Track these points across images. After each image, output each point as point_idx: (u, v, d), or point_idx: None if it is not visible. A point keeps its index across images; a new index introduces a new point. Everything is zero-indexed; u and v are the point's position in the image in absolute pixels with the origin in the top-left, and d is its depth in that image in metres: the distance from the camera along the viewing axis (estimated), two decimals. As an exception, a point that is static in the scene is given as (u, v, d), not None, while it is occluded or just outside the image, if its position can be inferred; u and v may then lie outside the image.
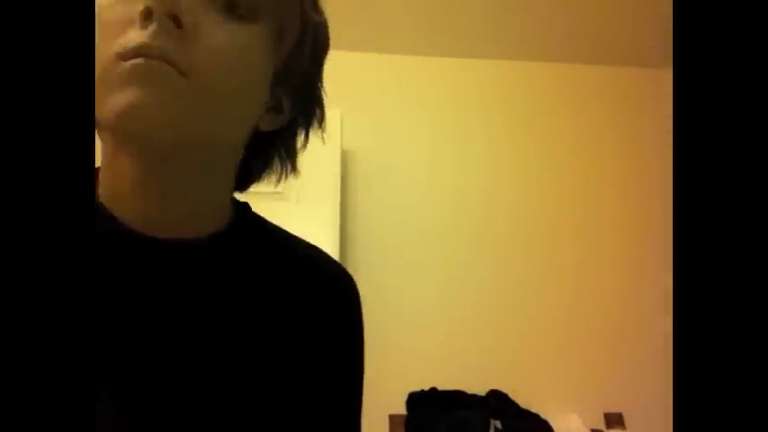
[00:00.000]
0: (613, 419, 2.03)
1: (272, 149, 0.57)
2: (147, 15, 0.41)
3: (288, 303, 0.54)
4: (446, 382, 1.91)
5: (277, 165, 0.59)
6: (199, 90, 0.42)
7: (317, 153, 2.23)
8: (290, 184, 2.05)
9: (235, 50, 0.45)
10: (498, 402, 1.89)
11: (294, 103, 0.55)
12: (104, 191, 0.48)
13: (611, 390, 2.08)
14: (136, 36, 0.41)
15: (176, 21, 0.41)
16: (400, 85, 2.45)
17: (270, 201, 2.03)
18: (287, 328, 0.53)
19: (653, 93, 2.50)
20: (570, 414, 1.97)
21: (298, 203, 1.91)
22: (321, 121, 0.59)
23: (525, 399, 1.91)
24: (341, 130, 2.06)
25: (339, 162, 2.02)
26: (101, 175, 0.49)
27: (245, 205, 0.59)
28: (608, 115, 2.50)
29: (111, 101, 0.40)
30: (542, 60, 2.53)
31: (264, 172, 0.59)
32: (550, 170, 2.39)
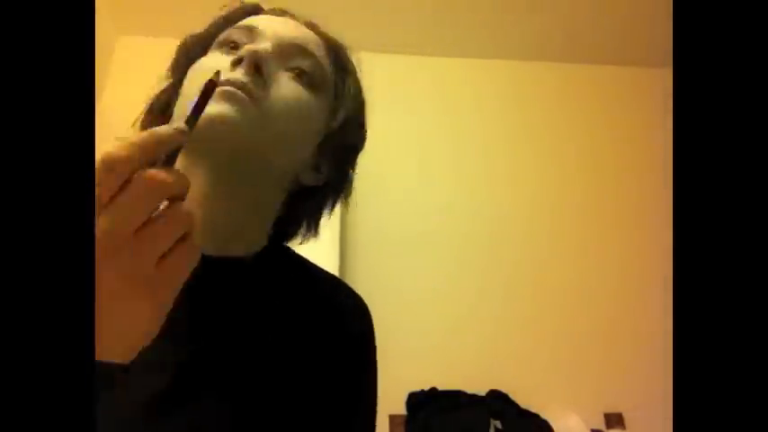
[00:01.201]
0: (613, 419, 2.03)
1: (304, 206, 0.67)
2: (238, 62, 0.55)
3: (311, 322, 0.60)
4: (446, 382, 1.91)
5: (304, 223, 0.69)
6: (264, 116, 0.54)
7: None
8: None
9: (295, 102, 0.58)
10: (498, 402, 1.89)
11: (331, 169, 0.66)
12: None
13: (611, 390, 2.08)
14: (228, 73, 0.54)
15: (257, 69, 0.55)
16: (399, 84, 2.45)
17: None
18: (309, 343, 0.59)
19: (653, 93, 2.50)
20: (570, 414, 1.97)
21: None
22: (349, 192, 0.71)
23: (525, 399, 1.91)
24: (341, 130, 2.06)
25: (339, 162, 2.02)
26: None
27: (283, 235, 0.69)
28: (608, 115, 2.50)
29: (205, 113, 0.48)
30: (542, 60, 2.53)
31: (295, 228, 0.68)
32: (550, 170, 2.39)
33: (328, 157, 0.65)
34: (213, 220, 0.56)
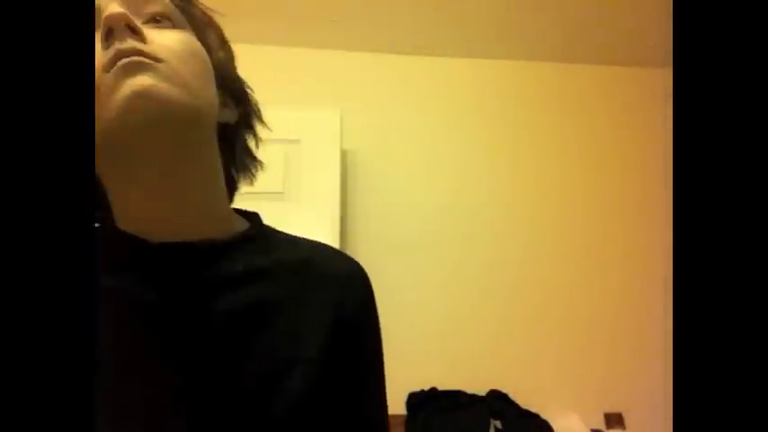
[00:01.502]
0: (613, 419, 2.03)
1: (234, 145, 0.65)
2: (110, 33, 0.49)
3: (312, 293, 0.60)
4: (446, 382, 1.91)
5: (241, 160, 0.66)
6: (173, 71, 0.51)
7: (318, 153, 2.25)
8: (291, 183, 2.08)
9: (182, 42, 0.54)
10: (498, 402, 1.89)
11: (236, 101, 0.65)
12: (122, 216, 0.55)
13: (611, 390, 2.08)
14: (109, 51, 0.49)
15: (132, 29, 0.50)
16: (400, 84, 2.45)
17: (270, 200, 2.04)
18: (312, 314, 0.58)
19: (653, 93, 2.50)
20: (570, 414, 1.97)
21: (298, 203, 1.91)
22: (260, 116, 0.69)
23: (525, 399, 1.91)
24: (341, 129, 2.06)
25: (339, 162, 2.02)
26: (115, 208, 0.55)
27: (256, 215, 0.67)
28: (608, 115, 2.50)
29: (113, 103, 0.47)
30: (543, 60, 2.53)
31: (241, 175, 0.67)
32: (551, 170, 2.39)
33: (227, 91, 0.63)
34: (180, 202, 0.54)
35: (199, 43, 0.58)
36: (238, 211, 0.66)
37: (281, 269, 0.60)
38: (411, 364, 2.01)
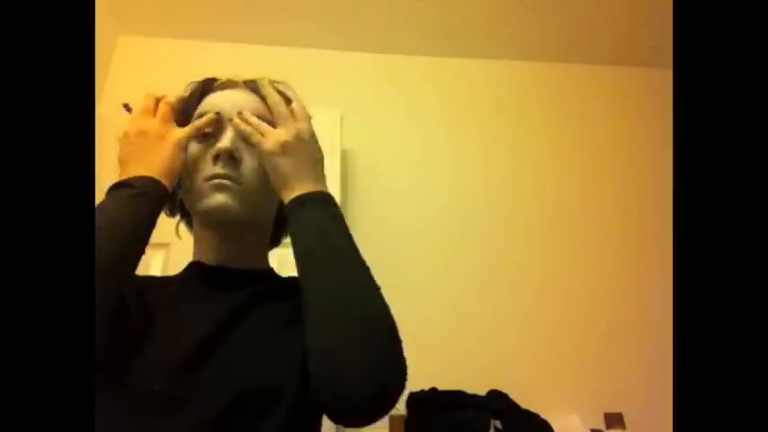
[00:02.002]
0: (613, 419, 2.03)
1: (282, 227, 0.95)
2: (217, 157, 0.79)
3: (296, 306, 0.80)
4: (446, 381, 1.91)
5: (282, 234, 0.97)
6: (248, 192, 0.79)
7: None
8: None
9: (262, 169, 0.80)
10: (498, 402, 1.89)
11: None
12: (198, 251, 0.86)
13: (611, 390, 2.08)
14: (212, 169, 0.79)
15: (233, 157, 0.79)
16: (400, 85, 2.45)
17: (270, 201, 2.03)
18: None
19: (653, 93, 2.50)
20: (570, 414, 1.97)
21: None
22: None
23: (525, 399, 1.91)
24: (341, 129, 2.06)
25: (339, 161, 2.02)
26: (195, 242, 0.87)
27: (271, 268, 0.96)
28: (607, 115, 2.50)
29: (204, 203, 0.78)
30: (542, 60, 2.53)
31: (280, 238, 0.97)
32: (551, 170, 2.39)
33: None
34: (229, 260, 0.84)
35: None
36: None
37: (288, 291, 0.82)
38: (411, 364, 2.00)
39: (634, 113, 2.51)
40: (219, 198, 0.77)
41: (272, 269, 0.93)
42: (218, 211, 0.78)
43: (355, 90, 2.38)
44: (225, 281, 0.82)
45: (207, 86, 0.89)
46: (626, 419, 2.03)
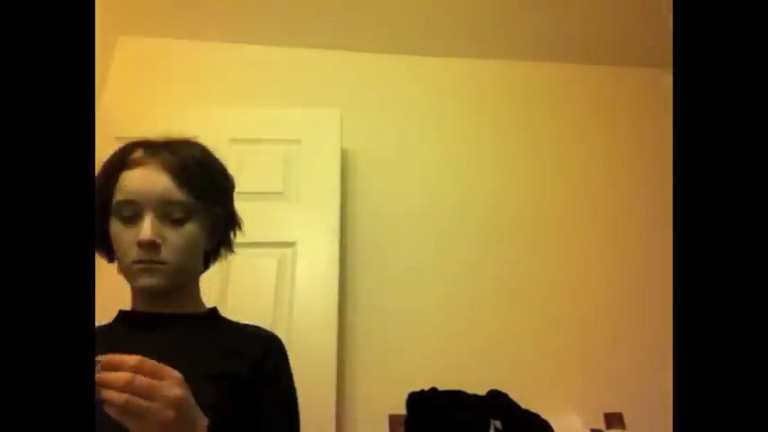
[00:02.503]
0: (613, 419, 2.03)
1: (215, 256, 1.13)
2: (141, 245, 0.91)
3: (240, 346, 0.99)
4: (446, 382, 1.91)
5: (221, 257, 1.14)
6: (174, 268, 0.94)
7: (318, 153, 2.25)
8: (291, 184, 2.09)
9: (186, 245, 0.95)
10: (498, 402, 1.89)
11: (222, 233, 1.10)
12: (134, 304, 1.01)
13: (611, 390, 2.08)
14: (137, 253, 0.91)
15: (154, 244, 0.91)
16: (400, 85, 2.45)
17: (270, 201, 2.04)
18: (242, 359, 0.96)
19: (652, 93, 2.50)
20: (570, 414, 1.97)
21: (298, 203, 1.91)
22: (239, 223, 1.13)
23: (525, 399, 1.91)
24: (341, 129, 2.06)
25: (339, 161, 2.02)
26: (132, 296, 1.01)
27: (214, 308, 1.10)
28: (607, 115, 2.50)
29: (136, 282, 0.94)
30: (544, 60, 2.53)
31: (214, 262, 1.14)
32: (553, 170, 2.39)
33: (217, 233, 1.08)
34: (164, 309, 0.98)
35: (198, 232, 0.99)
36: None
37: (222, 330, 1.04)
38: (411, 364, 2.01)
39: (633, 113, 2.51)
40: (147, 280, 0.91)
41: (212, 311, 1.07)
42: (149, 290, 0.92)
43: (355, 90, 2.38)
44: (156, 324, 0.95)
45: (122, 162, 0.96)
46: (626, 419, 2.03)
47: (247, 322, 1.08)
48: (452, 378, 1.92)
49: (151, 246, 0.89)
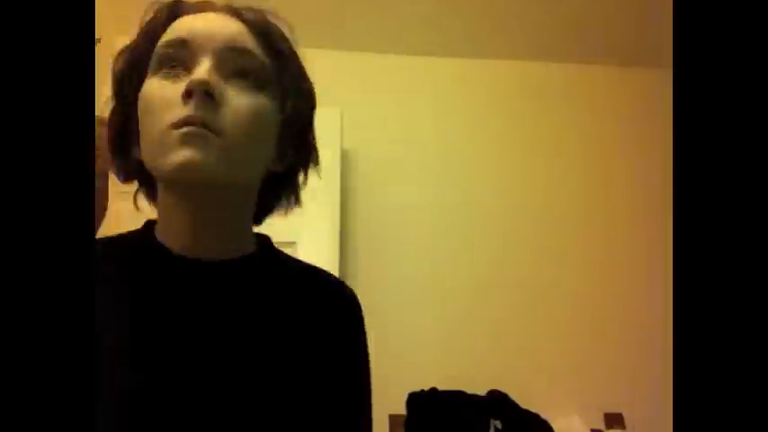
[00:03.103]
0: (614, 420, 2.03)
1: (280, 188, 0.74)
2: (189, 94, 0.57)
3: (299, 309, 0.67)
4: (446, 382, 1.91)
5: (284, 201, 0.76)
6: (228, 144, 0.59)
7: (318, 152, 2.19)
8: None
9: (249, 114, 0.61)
10: (498, 402, 1.89)
11: (295, 151, 0.72)
12: (162, 228, 0.66)
13: (611, 390, 2.08)
14: (182, 110, 0.57)
15: (208, 96, 0.57)
16: (401, 84, 2.45)
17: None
18: (300, 330, 0.66)
19: (652, 93, 2.50)
20: (570, 414, 1.97)
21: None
22: (316, 161, 0.77)
23: (525, 399, 1.91)
24: (341, 129, 2.06)
25: (339, 161, 2.02)
26: (159, 216, 0.67)
27: (267, 237, 0.75)
28: (608, 115, 2.50)
29: (169, 159, 0.57)
30: (544, 60, 2.53)
31: (276, 207, 0.76)
32: (555, 171, 2.39)
33: (289, 142, 0.70)
34: (205, 239, 0.65)
35: (270, 106, 0.65)
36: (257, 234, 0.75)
37: (280, 284, 0.70)
38: (411, 365, 2.01)
39: (635, 113, 2.51)
40: (190, 152, 0.56)
41: (260, 249, 0.72)
42: (189, 170, 0.56)
43: (356, 89, 2.38)
44: (196, 280, 0.63)
45: (176, 8, 0.67)
46: (626, 420, 2.03)
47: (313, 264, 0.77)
48: (453, 378, 1.92)
49: (206, 95, 0.57)
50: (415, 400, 1.87)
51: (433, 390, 1.90)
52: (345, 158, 2.18)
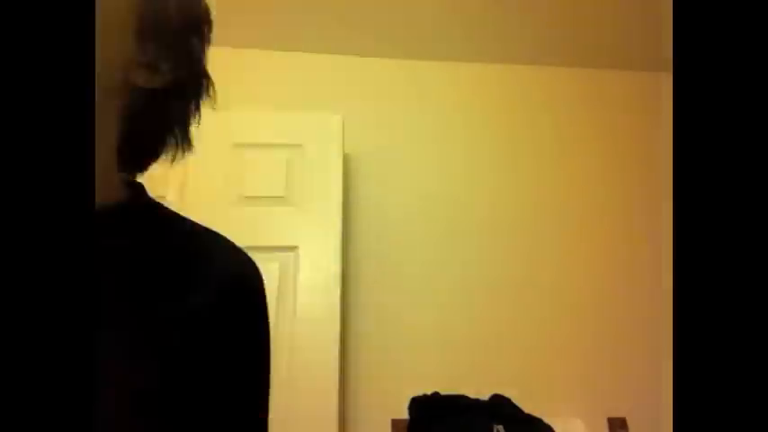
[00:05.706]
0: (617, 424, 2.02)
1: (158, 115, 0.56)
2: None
3: (171, 280, 0.52)
4: (449, 386, 1.90)
5: (166, 136, 0.57)
6: None
7: (320, 157, 2.26)
8: (293, 188, 2.10)
9: None
10: (501, 406, 1.89)
11: (173, 66, 0.54)
12: None
13: (614, 394, 2.07)
14: None
15: None
16: (402, 89, 2.46)
17: (272, 205, 2.04)
18: (178, 296, 0.51)
19: (652, 97, 2.50)
20: (573, 419, 1.96)
21: (300, 208, 1.91)
22: (208, 89, 0.58)
23: (528, 403, 1.90)
24: (343, 134, 2.07)
25: (341, 165, 2.03)
26: None
27: (140, 185, 0.57)
28: (608, 118, 2.50)
29: None
30: (544, 64, 2.53)
31: (156, 144, 0.57)
32: (553, 174, 2.39)
33: (160, 49, 0.53)
34: None
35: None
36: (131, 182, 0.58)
37: (153, 242, 0.54)
38: (413, 369, 2.01)
39: (634, 117, 2.51)
40: None
41: (131, 199, 0.55)
42: None
43: (357, 94, 2.39)
44: None
45: None
46: (629, 424, 2.02)
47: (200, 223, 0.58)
48: (455, 382, 1.92)
49: None
50: (418, 404, 1.86)
51: (435, 394, 1.90)
52: (347, 163, 2.18)
